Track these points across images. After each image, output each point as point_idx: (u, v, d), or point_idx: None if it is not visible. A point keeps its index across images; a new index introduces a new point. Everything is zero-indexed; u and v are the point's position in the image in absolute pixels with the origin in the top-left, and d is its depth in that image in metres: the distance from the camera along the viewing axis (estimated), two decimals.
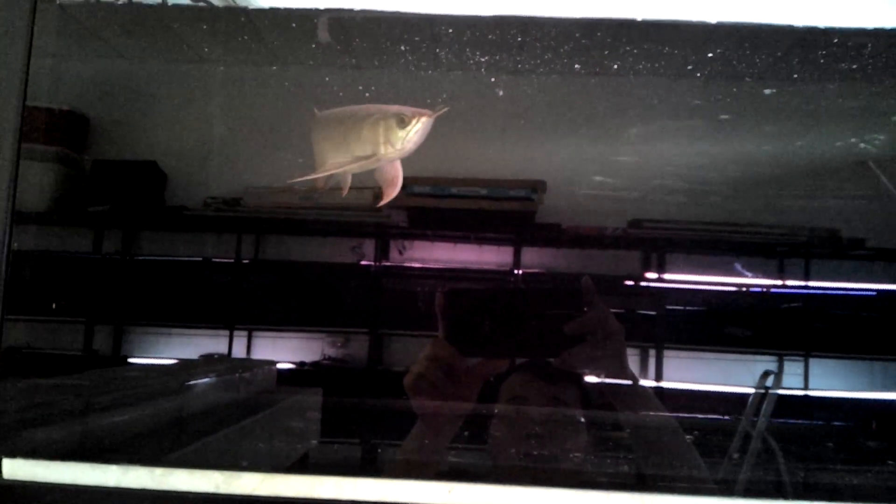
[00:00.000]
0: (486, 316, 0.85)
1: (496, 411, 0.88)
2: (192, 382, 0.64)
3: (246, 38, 1.85)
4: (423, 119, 0.71)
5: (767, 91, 1.72)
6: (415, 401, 0.83)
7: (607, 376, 0.85)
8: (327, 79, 1.91)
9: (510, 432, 0.87)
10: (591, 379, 0.87)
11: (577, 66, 1.75)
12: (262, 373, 0.87)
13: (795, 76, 1.68)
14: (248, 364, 0.83)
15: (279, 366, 2.05)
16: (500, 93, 1.52)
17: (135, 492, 0.44)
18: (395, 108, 0.72)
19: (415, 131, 0.70)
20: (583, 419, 0.92)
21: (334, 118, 0.69)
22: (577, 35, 1.65)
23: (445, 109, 0.73)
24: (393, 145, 0.72)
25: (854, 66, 1.72)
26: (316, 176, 0.72)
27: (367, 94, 1.90)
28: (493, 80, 1.77)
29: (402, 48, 1.72)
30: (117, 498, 0.44)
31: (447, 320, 0.82)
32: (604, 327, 0.85)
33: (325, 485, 0.43)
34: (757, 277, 1.90)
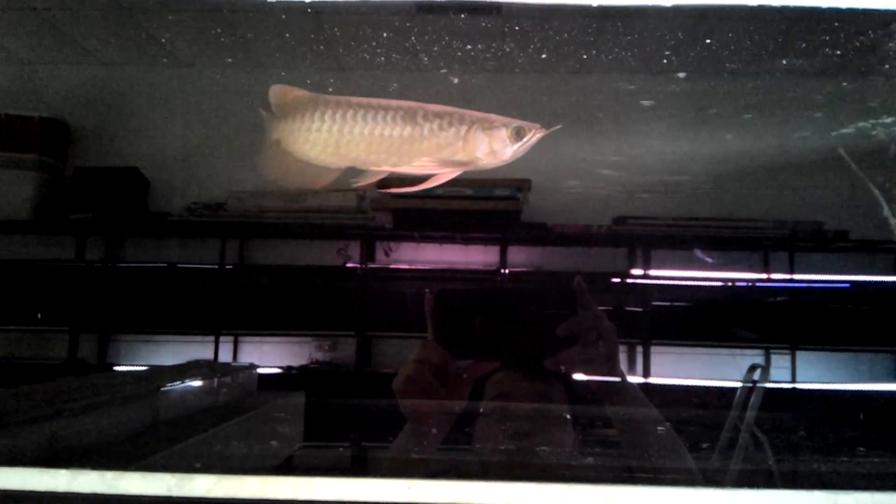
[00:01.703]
0: (477, 317, 0.83)
1: (482, 410, 0.87)
2: (166, 388, 0.63)
3: (226, 40, 1.84)
4: (538, 134, 0.69)
5: (751, 84, 1.73)
6: (404, 403, 0.81)
7: (600, 376, 0.84)
8: (308, 81, 1.91)
9: (496, 430, 0.87)
10: (578, 376, 0.87)
11: (554, 61, 1.76)
12: (243, 377, 0.86)
13: (777, 66, 1.69)
14: (227, 368, 0.82)
15: (266, 370, 2.05)
16: (455, 80, 1.51)
17: (85, 496, 0.42)
18: (497, 117, 0.70)
19: (528, 145, 0.68)
20: (569, 416, 0.91)
21: (414, 115, 0.66)
22: (553, 30, 1.65)
23: (559, 127, 0.71)
24: (498, 155, 0.69)
25: (836, 56, 1.73)
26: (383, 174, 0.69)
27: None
28: (444, 72, 1.76)
29: (383, 45, 1.72)
30: (67, 503, 0.43)
31: (436, 321, 0.80)
32: (597, 328, 0.84)
33: (279, 485, 0.42)
34: (720, 264, 1.90)
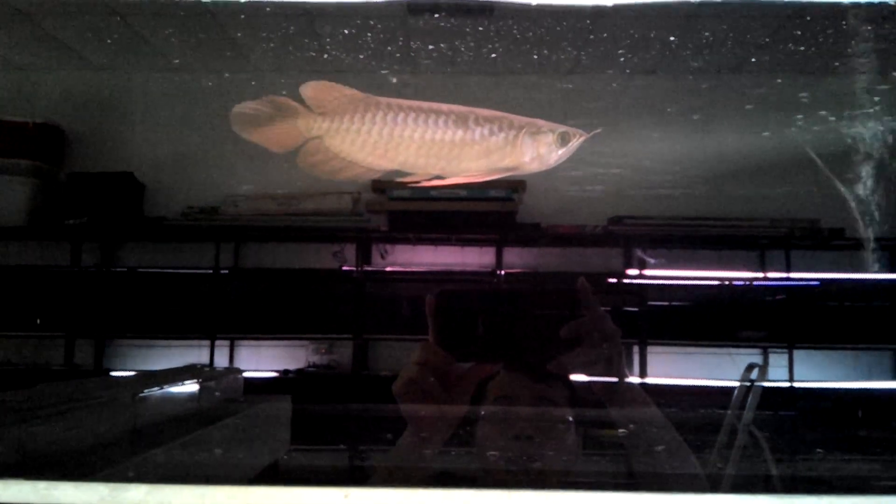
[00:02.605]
0: (479, 318, 0.82)
1: (484, 413, 0.86)
2: (142, 394, 0.63)
3: (220, 44, 1.84)
4: (581, 138, 0.70)
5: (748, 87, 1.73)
6: (405, 407, 0.80)
7: (613, 383, 0.83)
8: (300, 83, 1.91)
9: (498, 432, 0.86)
10: (580, 377, 0.86)
11: (547, 62, 1.75)
12: (227, 382, 0.86)
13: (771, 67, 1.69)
14: (211, 373, 0.81)
15: (261, 375, 2.04)
16: (394, 80, 1.51)
17: None
18: (543, 122, 0.70)
19: (571, 150, 0.68)
20: (571, 418, 0.90)
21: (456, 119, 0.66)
22: (543, 29, 1.65)
23: (598, 131, 0.71)
24: (544, 160, 0.69)
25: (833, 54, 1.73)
26: (446, 183, 0.68)
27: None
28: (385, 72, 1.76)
29: (372, 45, 1.72)
30: None
31: (438, 323, 0.78)
32: (601, 330, 0.83)
33: (214, 495, 0.42)
34: (717, 263, 1.90)
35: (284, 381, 2.00)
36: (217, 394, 0.84)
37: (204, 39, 1.85)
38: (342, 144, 0.69)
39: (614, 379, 0.81)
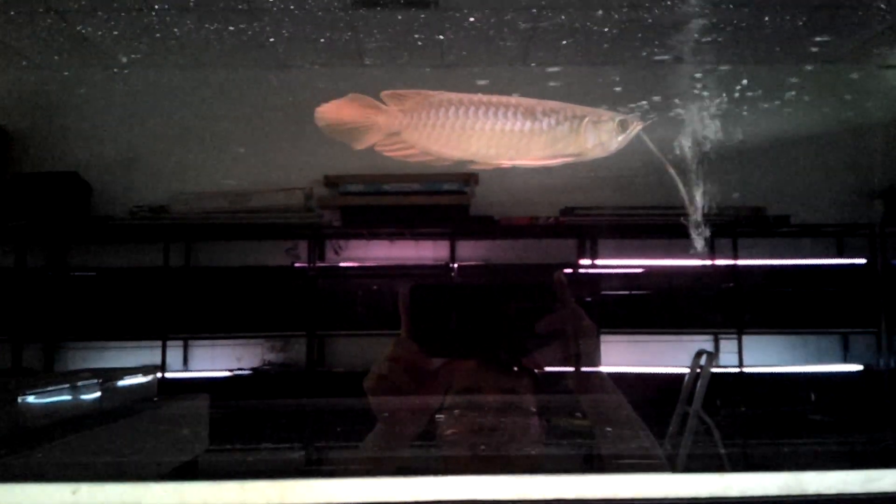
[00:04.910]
0: (454, 313, 0.81)
1: (452, 403, 0.85)
2: (25, 396, 0.60)
3: (167, 41, 1.81)
4: (639, 126, 0.73)
5: (698, 74, 1.74)
6: (375, 403, 0.79)
7: (581, 371, 0.83)
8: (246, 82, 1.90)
9: (461, 424, 0.85)
10: (551, 368, 0.86)
11: (494, 54, 1.76)
12: (138, 382, 0.83)
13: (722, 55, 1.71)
14: (114, 374, 0.79)
15: (214, 374, 2.02)
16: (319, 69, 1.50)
17: None
18: (603, 111, 0.72)
19: (630, 137, 0.71)
20: (534, 408, 0.89)
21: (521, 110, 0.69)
22: (491, 22, 1.65)
23: (654, 119, 0.74)
24: (605, 147, 0.72)
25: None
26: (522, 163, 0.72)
27: (291, 98, 1.88)
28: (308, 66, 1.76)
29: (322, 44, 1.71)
30: None
31: (412, 317, 0.77)
32: (577, 324, 0.83)
33: (49, 491, 0.40)
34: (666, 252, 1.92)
35: (237, 381, 1.98)
36: (126, 395, 0.82)
37: (147, 36, 1.82)
38: (420, 139, 0.73)
39: (591, 369, 0.81)
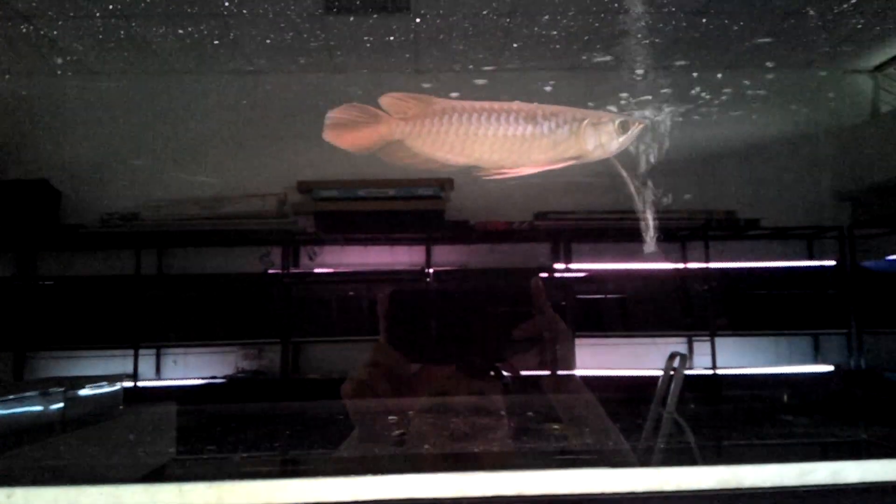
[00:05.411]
0: (433, 319, 0.81)
1: (426, 407, 0.85)
2: None
3: (138, 48, 1.80)
4: (640, 126, 0.73)
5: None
6: (352, 408, 0.79)
7: (556, 375, 0.84)
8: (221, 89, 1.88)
9: (434, 427, 0.85)
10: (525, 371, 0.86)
11: (468, 59, 1.76)
12: (102, 391, 0.82)
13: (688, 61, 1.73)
14: (77, 382, 0.79)
15: (188, 382, 2.00)
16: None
17: None
18: (603, 113, 0.73)
19: (631, 138, 0.71)
20: (503, 412, 0.90)
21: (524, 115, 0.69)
22: (466, 25, 1.66)
23: (659, 117, 0.75)
24: (606, 148, 0.72)
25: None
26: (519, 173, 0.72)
27: (263, 104, 1.87)
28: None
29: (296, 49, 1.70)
30: None
31: (391, 323, 0.77)
32: (553, 329, 0.83)
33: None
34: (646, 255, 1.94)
35: (210, 389, 1.96)
36: (91, 404, 0.81)
37: (118, 43, 1.80)
38: (423, 146, 0.73)
39: (563, 373, 0.81)
